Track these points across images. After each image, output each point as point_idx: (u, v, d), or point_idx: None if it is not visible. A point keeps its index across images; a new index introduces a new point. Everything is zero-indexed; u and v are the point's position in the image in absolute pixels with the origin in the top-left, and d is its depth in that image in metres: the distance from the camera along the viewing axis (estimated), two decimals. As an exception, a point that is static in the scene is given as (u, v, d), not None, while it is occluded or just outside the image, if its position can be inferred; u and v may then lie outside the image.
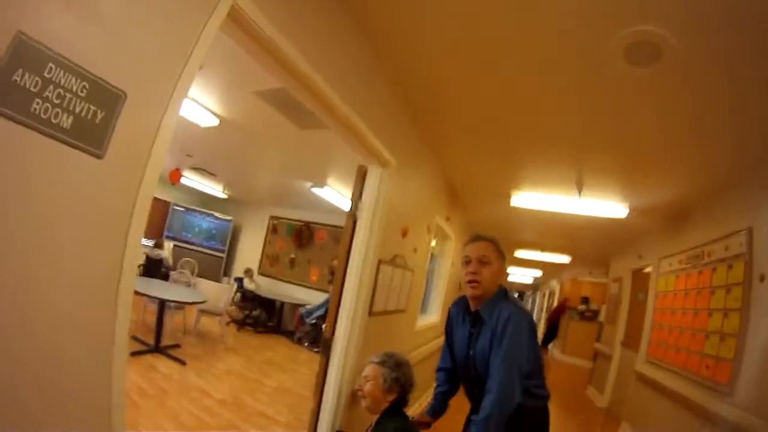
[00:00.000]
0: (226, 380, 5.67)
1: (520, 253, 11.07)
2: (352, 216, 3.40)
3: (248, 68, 3.19)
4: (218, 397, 5.00)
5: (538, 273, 17.79)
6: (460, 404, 2.64)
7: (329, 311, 3.41)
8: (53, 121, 1.16)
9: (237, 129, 5.11)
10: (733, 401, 3.28)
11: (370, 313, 3.58)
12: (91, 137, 1.26)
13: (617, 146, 3.57)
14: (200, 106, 4.46)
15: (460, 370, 2.54)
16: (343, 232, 3.48)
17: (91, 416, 1.47)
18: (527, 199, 5.30)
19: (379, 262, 3.59)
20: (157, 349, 6.00)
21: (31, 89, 1.10)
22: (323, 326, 7.57)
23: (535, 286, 27.00)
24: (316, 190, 7.55)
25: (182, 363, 5.80)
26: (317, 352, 8.09)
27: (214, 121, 4.74)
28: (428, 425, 2.69)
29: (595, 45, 2.26)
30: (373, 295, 3.57)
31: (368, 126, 2.92)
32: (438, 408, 2.72)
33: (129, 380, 4.46)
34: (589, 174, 4.32)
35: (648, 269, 6.17)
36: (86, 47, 1.21)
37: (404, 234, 4.15)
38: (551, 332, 14.80)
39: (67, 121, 1.18)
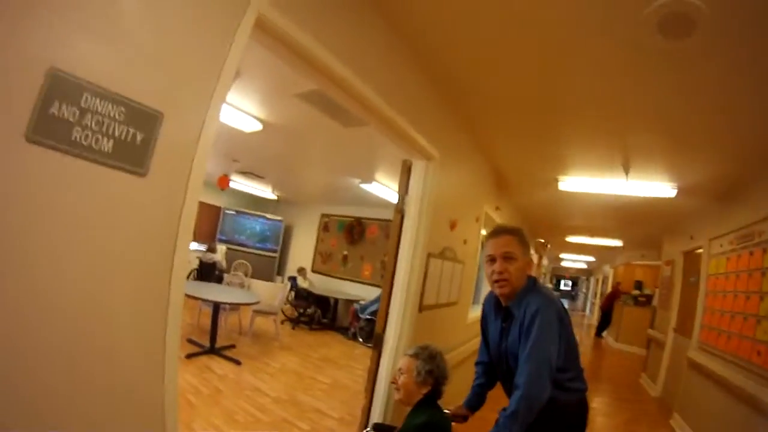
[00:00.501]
0: (281, 378, 5.76)
1: (572, 239, 11.00)
2: (400, 211, 3.43)
3: (286, 72, 3.27)
4: (273, 395, 5.09)
5: (591, 258, 17.71)
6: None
7: (380, 307, 3.46)
8: (94, 146, 1.23)
9: (281, 131, 5.17)
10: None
11: (421, 309, 3.62)
12: (132, 158, 1.34)
13: (661, 124, 3.46)
14: (242, 112, 4.54)
15: (495, 365, 2.51)
16: (391, 228, 3.53)
17: (145, 417, 1.56)
18: (575, 183, 5.25)
19: (428, 255, 3.62)
20: (213, 350, 6.19)
21: (70, 119, 1.17)
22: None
23: (589, 271, 26.77)
24: (364, 186, 7.59)
25: (237, 363, 5.91)
26: (371, 347, 8.16)
27: (258, 126, 4.82)
28: (465, 418, 2.63)
29: (629, 21, 2.20)
30: (423, 290, 3.61)
31: (409, 121, 2.94)
32: (475, 401, 2.67)
33: (184, 381, 4.63)
34: (634, 155, 4.22)
35: (699, 251, 5.96)
36: (119, 74, 1.28)
37: (453, 226, 4.16)
38: (605, 319, 14.52)
39: (107, 145, 1.26)
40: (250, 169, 8.56)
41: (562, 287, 36.67)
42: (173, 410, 1.64)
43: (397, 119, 2.82)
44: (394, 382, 2.51)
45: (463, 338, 4.95)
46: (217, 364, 5.80)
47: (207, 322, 6.57)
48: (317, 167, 7.55)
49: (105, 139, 1.25)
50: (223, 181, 8.84)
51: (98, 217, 1.31)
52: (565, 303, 29.38)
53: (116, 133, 1.28)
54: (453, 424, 2.55)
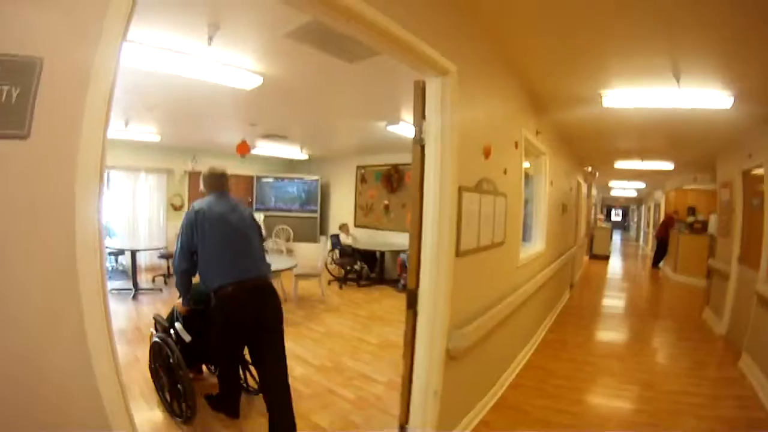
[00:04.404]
0: (326, 343, 5.49)
1: (621, 164, 10.30)
2: (419, 141, 2.88)
3: (267, 13, 3.10)
4: (316, 363, 4.84)
5: (641, 185, 17.03)
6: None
7: (410, 259, 2.94)
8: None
9: (285, 82, 4.69)
10: None
11: (458, 254, 3.08)
12: (8, 120, 1.13)
13: (716, 15, 2.83)
14: (234, 68, 4.10)
15: None
16: (411, 164, 2.95)
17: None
18: (621, 97, 4.60)
19: (460, 189, 3.07)
20: (254, 323, 5.99)
21: None
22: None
23: (639, 199, 25.75)
24: (392, 128, 7.05)
25: (279, 332, 5.73)
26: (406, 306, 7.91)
27: (258, 80, 4.34)
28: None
29: None
30: (458, 231, 3.07)
31: (411, 29, 2.37)
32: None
33: None
34: (686, 58, 3.62)
35: (759, 170, 5.24)
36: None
37: (487, 154, 3.57)
38: (661, 249, 13.88)
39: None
40: (271, 131, 8.16)
41: (612, 218, 35.33)
42: (119, 408, 1.42)
43: (392, 28, 2.25)
44: None
45: (514, 283, 4.46)
46: (258, 338, 5.58)
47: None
48: (336, 115, 6.97)
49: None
50: (243, 148, 8.35)
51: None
52: (618, 234, 28.23)
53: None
54: None
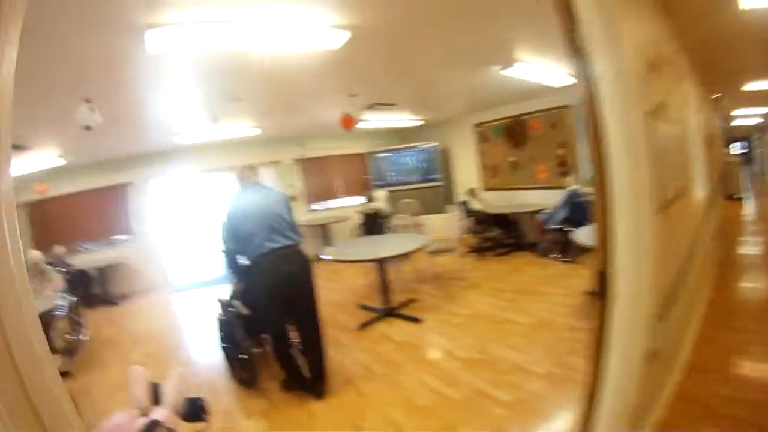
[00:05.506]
0: (471, 329, 4.74)
1: (750, 86, 8.63)
2: (578, 49, 1.91)
3: None
4: (462, 356, 4.12)
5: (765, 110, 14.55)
6: None
7: (596, 224, 2.03)
8: None
9: (377, 31, 3.85)
10: None
11: (658, 209, 2.16)
12: None
13: None
14: (315, 25, 3.37)
15: None
16: (577, 89, 1.99)
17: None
18: None
19: (646, 114, 2.15)
20: (389, 312, 5.40)
21: None
22: (568, 230, 6.28)
23: (762, 127, 22.20)
24: (507, 73, 5.99)
25: (418, 321, 5.13)
26: (568, 262, 6.89)
27: (345, 36, 3.60)
28: None
29: None
30: (653, 176, 2.10)
31: None
32: None
33: (354, 362, 4.30)
34: None
35: None
36: None
37: (653, 68, 2.61)
38: None
39: None
40: (376, 100, 7.37)
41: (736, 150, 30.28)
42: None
43: None
44: None
45: (693, 240, 3.53)
46: (395, 329, 4.99)
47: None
48: (444, 66, 5.93)
49: None
50: (347, 122, 7.58)
51: None
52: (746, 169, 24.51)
53: None
54: None
